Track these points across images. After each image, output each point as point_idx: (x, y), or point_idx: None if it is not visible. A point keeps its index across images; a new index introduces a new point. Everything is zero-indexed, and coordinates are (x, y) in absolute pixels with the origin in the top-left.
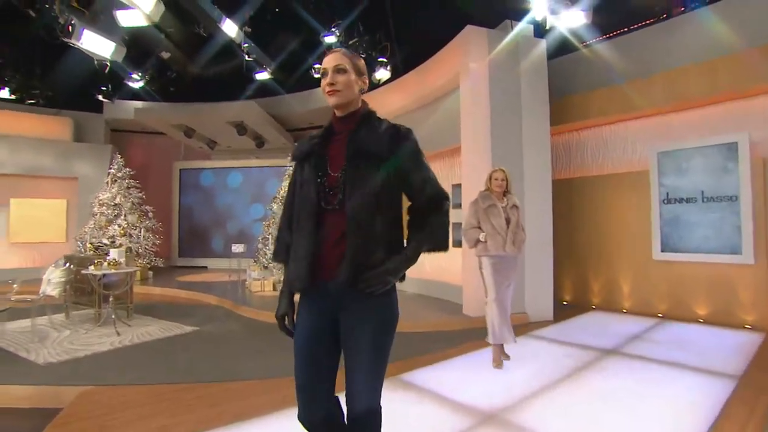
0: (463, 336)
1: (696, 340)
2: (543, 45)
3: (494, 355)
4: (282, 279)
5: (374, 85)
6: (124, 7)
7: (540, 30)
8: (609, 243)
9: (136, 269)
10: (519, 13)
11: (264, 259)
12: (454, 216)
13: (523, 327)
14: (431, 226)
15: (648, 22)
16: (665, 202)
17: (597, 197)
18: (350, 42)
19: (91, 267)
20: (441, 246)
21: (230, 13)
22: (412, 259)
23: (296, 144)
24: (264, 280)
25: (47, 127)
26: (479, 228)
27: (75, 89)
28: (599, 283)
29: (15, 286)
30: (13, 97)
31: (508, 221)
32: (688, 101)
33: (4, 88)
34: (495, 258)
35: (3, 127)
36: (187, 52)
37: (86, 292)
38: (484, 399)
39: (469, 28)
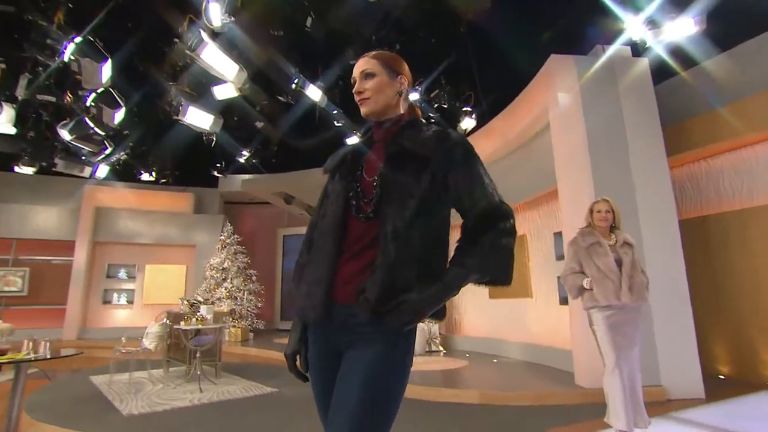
0: (575, 412)
1: None
2: (644, 63)
3: None
4: None
5: None
6: (219, 82)
7: (638, 51)
8: None
9: (222, 326)
10: (611, 37)
11: None
12: (555, 268)
13: (659, 406)
14: (482, 248)
15: None
16: None
17: (747, 237)
18: (432, 95)
19: (182, 323)
20: (497, 275)
21: (314, 79)
22: (452, 289)
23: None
24: None
25: (174, 202)
26: (582, 273)
27: (196, 168)
28: None
29: (123, 339)
30: (152, 178)
31: (619, 263)
32: None
33: (147, 173)
34: (608, 310)
35: (144, 203)
36: (281, 123)
37: (181, 347)
38: None
39: (553, 58)
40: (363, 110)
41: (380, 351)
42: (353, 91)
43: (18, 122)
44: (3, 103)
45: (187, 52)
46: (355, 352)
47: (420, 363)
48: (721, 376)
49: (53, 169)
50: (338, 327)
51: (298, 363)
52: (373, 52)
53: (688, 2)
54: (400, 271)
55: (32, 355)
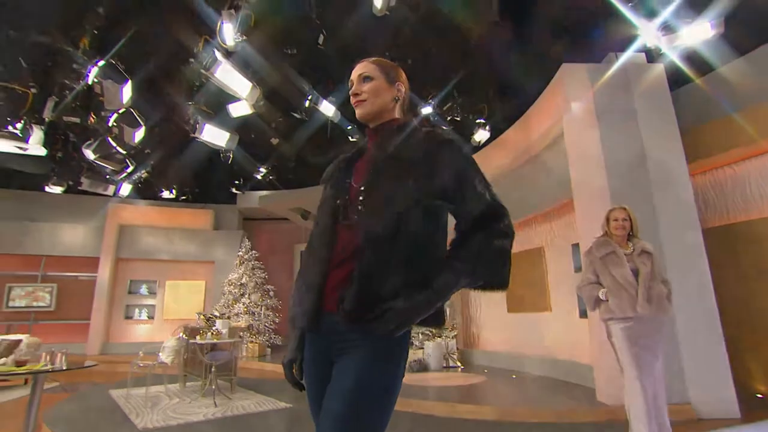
0: (597, 430)
1: None
2: (660, 68)
3: None
4: None
5: (475, 148)
6: (234, 100)
7: (653, 58)
8: None
9: (237, 341)
10: (624, 44)
11: None
12: (574, 280)
13: (689, 425)
14: (473, 250)
15: None
16: None
17: None
18: (444, 107)
19: (197, 337)
20: (490, 279)
21: (327, 95)
22: (442, 295)
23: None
24: None
25: (194, 219)
26: (598, 284)
27: (215, 185)
28: None
29: (141, 353)
30: (172, 195)
31: (636, 272)
32: None
33: (167, 190)
34: (626, 322)
35: (164, 220)
36: (296, 139)
37: (197, 362)
38: None
39: (565, 67)
40: (358, 112)
41: (368, 358)
42: (350, 92)
43: (46, 143)
44: (33, 126)
45: (202, 71)
46: (344, 360)
47: (437, 378)
48: (759, 395)
49: (79, 188)
50: (328, 334)
51: (294, 371)
52: (372, 58)
53: (703, 6)
54: (382, 278)
55: (49, 366)
